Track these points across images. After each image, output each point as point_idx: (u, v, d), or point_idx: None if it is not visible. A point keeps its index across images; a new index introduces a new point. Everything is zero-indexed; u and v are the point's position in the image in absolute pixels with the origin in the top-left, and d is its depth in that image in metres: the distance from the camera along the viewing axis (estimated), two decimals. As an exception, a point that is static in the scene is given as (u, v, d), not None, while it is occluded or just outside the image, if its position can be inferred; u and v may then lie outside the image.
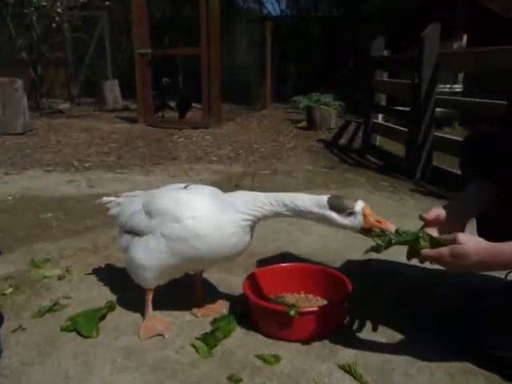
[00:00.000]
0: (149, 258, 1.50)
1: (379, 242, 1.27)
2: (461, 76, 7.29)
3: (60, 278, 2.07)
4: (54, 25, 9.25)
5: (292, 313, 1.43)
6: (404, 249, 1.27)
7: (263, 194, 1.43)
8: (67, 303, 1.82)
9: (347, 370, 1.34)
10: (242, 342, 1.53)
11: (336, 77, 10.48)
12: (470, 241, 1.18)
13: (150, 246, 1.49)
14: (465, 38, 7.82)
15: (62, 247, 2.44)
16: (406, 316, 1.68)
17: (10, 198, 3.40)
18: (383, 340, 1.51)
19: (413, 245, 1.25)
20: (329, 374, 1.35)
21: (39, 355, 1.48)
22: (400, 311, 1.72)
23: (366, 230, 1.30)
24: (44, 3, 8.67)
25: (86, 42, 10.39)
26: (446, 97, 5.40)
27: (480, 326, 1.45)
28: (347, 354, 1.44)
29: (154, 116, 7.51)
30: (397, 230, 1.28)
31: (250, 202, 1.40)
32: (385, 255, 2.21)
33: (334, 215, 1.32)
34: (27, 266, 2.18)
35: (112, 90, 9.73)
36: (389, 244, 1.26)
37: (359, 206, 1.30)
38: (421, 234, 1.25)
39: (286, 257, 2.24)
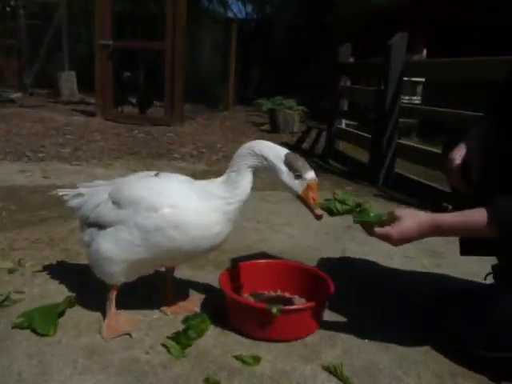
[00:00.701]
0: (118, 250, 1.36)
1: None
2: (419, 88, 7.53)
3: (11, 272, 1.88)
4: (7, 9, 8.75)
5: (274, 311, 1.34)
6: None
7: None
8: (19, 298, 1.64)
9: (332, 371, 1.27)
10: (217, 341, 1.42)
11: (299, 82, 10.55)
12: (410, 217, 1.26)
13: (121, 237, 1.35)
14: (424, 51, 8.10)
15: (14, 238, 2.23)
16: (391, 316, 1.64)
17: (-47, 185, 3.11)
18: (367, 340, 1.45)
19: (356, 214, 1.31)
20: (313, 376, 1.26)
21: (-13, 355, 1.31)
22: (384, 311, 1.68)
23: (300, 198, 1.32)
24: (-2, -15, 8.18)
25: (42, 30, 9.89)
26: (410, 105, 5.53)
27: (456, 326, 1.43)
28: (331, 355, 1.36)
29: (114, 110, 7.22)
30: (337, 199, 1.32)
31: (228, 181, 1.34)
32: (360, 255, 2.22)
33: (283, 169, 1.30)
34: (-27, 258, 1.97)
35: (68, 81, 9.32)
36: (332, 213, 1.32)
37: (309, 175, 1.29)
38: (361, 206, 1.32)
39: (257, 254, 2.15)
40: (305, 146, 6.44)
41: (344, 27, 10.49)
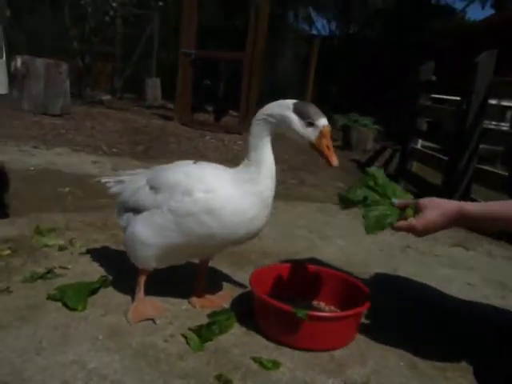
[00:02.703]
0: (152, 234, 1.35)
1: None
2: (509, 114, 6.98)
3: (61, 249, 1.95)
4: (107, 18, 9.47)
5: (300, 315, 1.25)
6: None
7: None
8: (62, 273, 1.70)
9: (355, 389, 1.15)
10: (239, 340, 1.35)
11: (377, 101, 10.28)
12: (434, 207, 1.22)
13: (155, 221, 1.34)
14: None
15: (71, 219, 2.33)
16: (435, 343, 1.47)
17: (32, 168, 3.35)
18: (402, 364, 1.30)
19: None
20: (333, 391, 1.15)
21: (17, 320, 1.35)
22: (428, 337, 1.51)
23: (314, 147, 1.26)
24: (100, -4, 8.90)
25: (135, 39, 10.59)
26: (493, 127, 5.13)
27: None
28: (358, 373, 1.24)
29: (190, 116, 7.48)
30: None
31: (251, 162, 1.31)
32: (414, 276, 2.04)
33: (293, 117, 1.24)
34: (31, 233, 2.08)
35: (153, 87, 9.84)
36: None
37: (321, 122, 1.23)
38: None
39: (303, 261, 2.05)
40: (376, 164, 6.21)
41: (430, 48, 10.08)
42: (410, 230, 1.25)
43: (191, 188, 1.30)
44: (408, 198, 1.35)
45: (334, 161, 1.24)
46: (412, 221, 1.25)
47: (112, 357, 1.21)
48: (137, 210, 1.43)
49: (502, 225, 1.22)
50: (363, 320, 1.48)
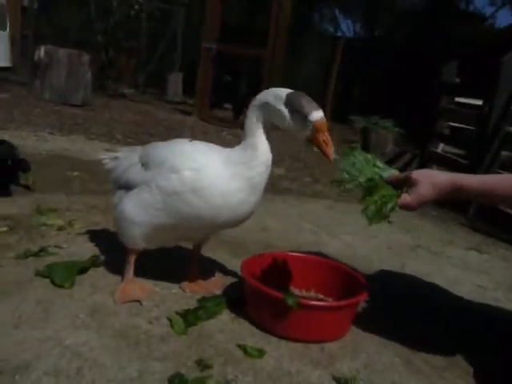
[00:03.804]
0: (140, 212, 1.30)
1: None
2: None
3: (59, 229, 1.92)
4: (132, 12, 9.54)
5: (290, 302, 1.18)
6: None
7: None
8: (55, 252, 1.67)
9: (342, 383, 1.07)
10: (226, 327, 1.29)
11: (399, 104, 10.08)
12: (427, 180, 1.19)
13: (143, 199, 1.29)
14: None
15: (74, 201, 2.31)
16: (437, 343, 1.38)
17: (44, 152, 3.36)
18: (397, 359, 1.22)
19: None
20: (319, 384, 1.08)
21: (1, 294, 1.32)
22: (429, 336, 1.42)
23: (310, 142, 1.19)
24: (126, -10, 8.97)
25: (159, 33, 10.64)
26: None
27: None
28: (348, 367, 1.16)
29: (209, 111, 7.46)
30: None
31: (246, 145, 1.25)
32: (422, 275, 1.94)
33: (284, 111, 1.17)
34: (31, 212, 2.06)
35: (175, 82, 9.87)
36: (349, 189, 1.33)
37: (315, 115, 1.14)
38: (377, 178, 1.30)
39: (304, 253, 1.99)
40: (395, 167, 6.06)
41: (456, 53, 9.84)
42: (404, 206, 1.21)
43: (179, 165, 1.25)
44: (393, 171, 1.32)
45: (331, 156, 1.16)
46: (406, 197, 1.21)
47: (90, 335, 1.17)
48: (128, 187, 1.38)
49: (496, 199, 1.20)
50: (360, 312, 1.40)
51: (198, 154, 1.27)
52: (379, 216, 1.22)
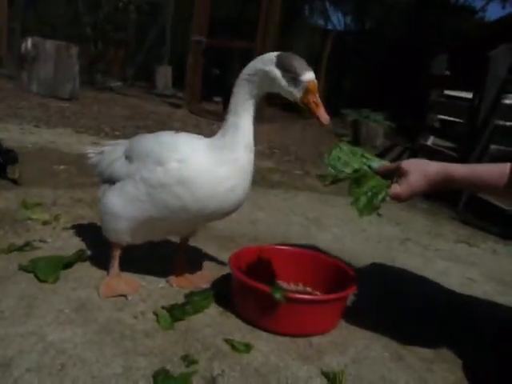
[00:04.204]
0: (123, 205, 1.27)
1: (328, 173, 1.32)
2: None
3: (45, 223, 1.89)
4: (120, 5, 9.42)
5: (277, 296, 1.16)
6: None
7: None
8: (40, 246, 1.64)
9: (331, 378, 1.06)
10: (213, 321, 1.27)
11: (390, 97, 10.10)
12: (417, 170, 1.18)
13: (127, 191, 1.27)
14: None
15: (61, 196, 2.27)
16: (426, 336, 1.37)
17: (29, 145, 3.31)
18: (387, 354, 1.21)
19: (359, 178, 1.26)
20: (306, 378, 1.06)
21: (-17, 289, 1.29)
22: (419, 329, 1.42)
23: (301, 104, 1.15)
24: (114, -18, 8.85)
25: (148, 26, 10.53)
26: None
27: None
28: (337, 361, 1.15)
29: (199, 104, 7.41)
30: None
31: (227, 126, 1.23)
32: (411, 268, 1.94)
33: (276, 73, 1.14)
34: (17, 206, 2.02)
35: (164, 75, 9.79)
36: (335, 180, 1.31)
37: (307, 76, 1.12)
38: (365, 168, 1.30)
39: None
40: (386, 159, 6.08)
41: (446, 46, 9.86)
42: (395, 197, 1.19)
43: (164, 157, 1.22)
44: (383, 162, 1.31)
45: (323, 116, 1.13)
46: (396, 188, 1.19)
47: (74, 331, 1.14)
48: (113, 181, 1.35)
49: (486, 187, 1.17)
50: (349, 306, 1.39)
51: (183, 145, 1.24)
52: (370, 207, 1.20)
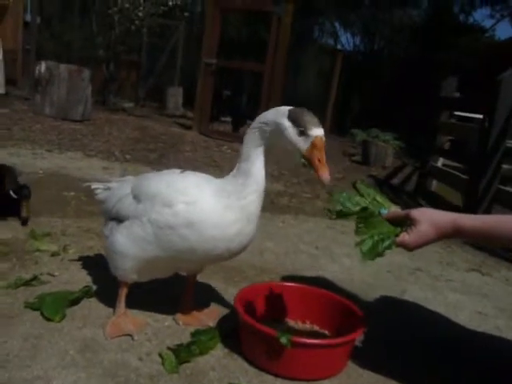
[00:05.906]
0: (130, 245, 1.28)
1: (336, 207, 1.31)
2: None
3: (53, 255, 1.90)
4: (133, 27, 9.59)
5: (283, 340, 1.14)
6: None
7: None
8: (47, 280, 1.64)
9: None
10: (219, 363, 1.25)
11: (400, 117, 10.10)
12: (427, 220, 1.17)
13: (134, 232, 1.27)
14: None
15: (69, 225, 2.29)
16: (438, 380, 1.34)
17: (41, 171, 3.34)
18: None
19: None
20: (313, 428, 1.04)
21: (-11, 329, 1.29)
22: (430, 371, 1.38)
23: (305, 158, 1.16)
24: (127, 5, 9.02)
25: (160, 48, 10.71)
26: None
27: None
28: (344, 408, 1.13)
29: (209, 125, 7.47)
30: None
31: (239, 172, 1.23)
32: (422, 301, 1.91)
33: (286, 124, 1.15)
34: (26, 236, 2.04)
35: (174, 96, 9.91)
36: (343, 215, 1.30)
37: (315, 131, 1.13)
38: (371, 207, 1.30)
39: (303, 281, 1.95)
40: (395, 181, 6.04)
41: (456, 66, 9.87)
42: (402, 245, 1.19)
43: (172, 199, 1.22)
44: (393, 207, 1.30)
45: (325, 175, 1.12)
46: (404, 236, 1.19)
47: (78, 375, 1.13)
48: (120, 219, 1.36)
49: (498, 240, 1.15)
50: (357, 346, 1.36)
51: (190, 186, 1.25)
52: (374, 253, 1.20)
